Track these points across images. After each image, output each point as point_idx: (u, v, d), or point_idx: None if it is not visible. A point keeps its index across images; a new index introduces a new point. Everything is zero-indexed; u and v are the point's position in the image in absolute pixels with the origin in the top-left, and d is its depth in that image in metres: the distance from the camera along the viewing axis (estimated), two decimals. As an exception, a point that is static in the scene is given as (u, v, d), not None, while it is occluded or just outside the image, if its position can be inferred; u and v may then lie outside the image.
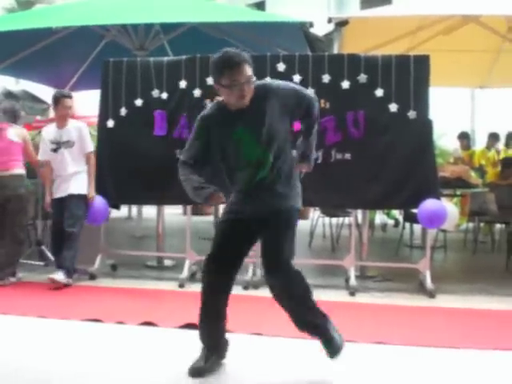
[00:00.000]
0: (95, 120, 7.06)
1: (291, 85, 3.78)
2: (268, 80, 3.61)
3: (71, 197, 6.27)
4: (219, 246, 3.67)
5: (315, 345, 3.72)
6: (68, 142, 6.34)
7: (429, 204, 5.89)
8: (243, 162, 3.57)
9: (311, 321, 3.67)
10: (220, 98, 3.67)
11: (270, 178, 3.57)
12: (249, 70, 3.43)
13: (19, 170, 6.38)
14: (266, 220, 3.59)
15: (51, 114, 11.96)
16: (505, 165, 9.15)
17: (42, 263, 6.94)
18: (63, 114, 6.35)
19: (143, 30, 8.01)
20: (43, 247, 7.14)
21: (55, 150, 6.35)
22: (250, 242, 3.77)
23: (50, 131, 6.45)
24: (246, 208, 3.66)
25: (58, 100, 6.35)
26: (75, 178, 6.33)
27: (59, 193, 6.36)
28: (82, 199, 6.31)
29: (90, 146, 6.46)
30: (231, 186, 3.73)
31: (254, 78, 3.48)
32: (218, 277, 3.66)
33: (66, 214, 6.21)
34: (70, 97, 6.47)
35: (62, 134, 6.35)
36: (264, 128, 3.49)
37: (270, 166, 3.54)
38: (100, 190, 6.49)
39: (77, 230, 6.19)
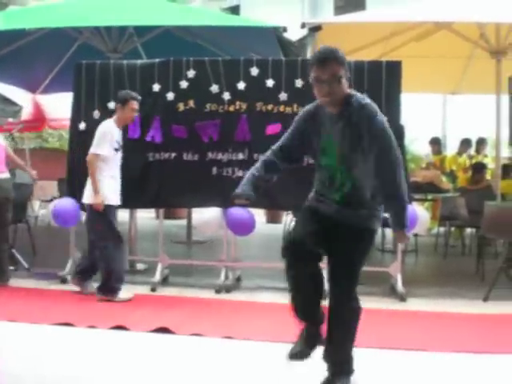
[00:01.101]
0: (67, 123, 7.00)
1: (388, 131, 3.46)
2: (369, 101, 3.41)
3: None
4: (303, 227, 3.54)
5: (285, 349, 3.72)
6: (121, 145, 6.05)
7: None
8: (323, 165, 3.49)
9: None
10: None
11: (347, 197, 3.44)
12: (338, 69, 3.28)
13: (6, 173, 6.35)
14: (336, 229, 3.46)
15: (23, 116, 11.86)
16: (475, 170, 9.28)
17: (12, 267, 6.85)
18: (129, 117, 5.99)
19: (117, 33, 7.97)
20: (14, 251, 7.05)
21: (117, 151, 5.97)
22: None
23: (115, 129, 5.95)
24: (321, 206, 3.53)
25: (126, 101, 5.92)
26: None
27: (117, 200, 6.01)
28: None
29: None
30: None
31: (344, 79, 3.32)
32: (302, 251, 3.47)
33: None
34: (138, 100, 6.01)
35: (120, 136, 6.03)
36: (346, 148, 3.37)
37: (345, 184, 3.43)
38: (71, 192, 6.45)
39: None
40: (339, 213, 3.45)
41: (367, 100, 3.41)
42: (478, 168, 9.27)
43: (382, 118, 3.41)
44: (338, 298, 3.46)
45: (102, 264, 5.83)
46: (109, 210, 5.83)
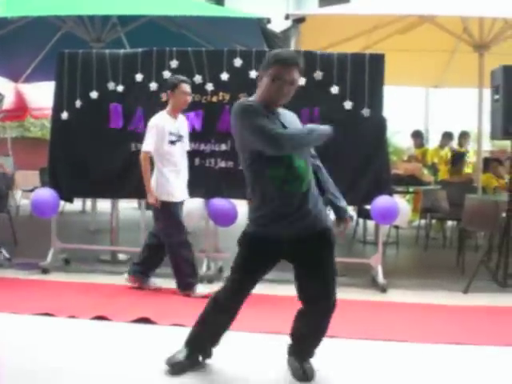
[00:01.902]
0: (49, 112, 6.95)
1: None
2: None
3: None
4: (247, 272, 3.59)
5: (274, 339, 3.75)
6: (182, 136, 5.75)
7: (381, 200, 5.99)
8: (283, 159, 3.36)
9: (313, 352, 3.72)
10: None
11: (309, 194, 3.45)
12: (297, 75, 3.38)
13: None
14: (304, 242, 3.47)
15: (5, 105, 11.76)
16: (453, 161, 9.37)
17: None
18: (183, 102, 5.67)
19: (100, 22, 7.91)
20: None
21: (173, 143, 5.64)
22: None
23: (166, 121, 5.64)
24: (280, 228, 3.45)
25: (175, 86, 5.60)
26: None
27: (182, 195, 5.79)
28: None
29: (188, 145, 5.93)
30: (261, 193, 3.46)
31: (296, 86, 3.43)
32: (236, 305, 3.65)
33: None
34: (188, 82, 5.71)
35: (178, 126, 5.71)
36: None
37: (309, 178, 3.46)
38: (53, 182, 6.42)
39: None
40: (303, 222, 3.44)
41: None
42: (456, 159, 9.37)
43: None
44: (329, 300, 3.53)
45: (171, 261, 5.69)
46: (174, 208, 5.61)
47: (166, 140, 5.58)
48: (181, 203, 5.72)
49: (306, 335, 3.67)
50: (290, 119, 3.50)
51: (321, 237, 3.50)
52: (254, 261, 3.54)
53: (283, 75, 3.32)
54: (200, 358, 3.79)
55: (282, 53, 3.46)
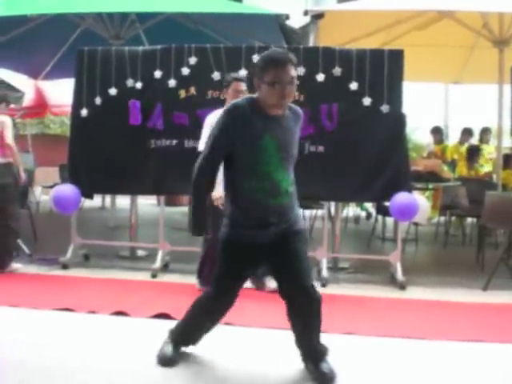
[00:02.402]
0: (69, 109, 6.99)
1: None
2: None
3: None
4: (228, 280, 3.59)
5: (285, 335, 3.75)
6: None
7: (401, 197, 5.96)
8: (261, 172, 3.36)
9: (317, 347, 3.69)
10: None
11: (287, 198, 3.46)
12: (293, 72, 3.30)
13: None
14: (279, 242, 3.49)
15: (25, 102, 11.87)
16: (469, 155, 9.35)
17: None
18: (236, 99, 5.71)
19: (119, 19, 7.96)
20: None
21: None
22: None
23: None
24: (258, 231, 3.46)
25: (229, 84, 5.62)
26: None
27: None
28: None
29: None
30: (239, 196, 3.46)
31: (297, 82, 3.38)
32: (221, 311, 3.70)
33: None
34: (242, 80, 5.66)
35: None
36: (289, 146, 3.43)
37: (287, 185, 3.45)
38: (73, 179, 6.46)
39: None
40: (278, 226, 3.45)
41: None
42: (471, 153, 9.35)
43: None
44: (307, 291, 3.50)
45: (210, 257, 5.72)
46: None
47: None
48: None
49: (302, 333, 3.64)
50: (287, 124, 3.43)
51: (296, 235, 3.51)
52: (235, 266, 3.55)
53: (281, 77, 3.25)
54: (185, 348, 3.86)
55: (272, 55, 3.36)
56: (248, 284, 5.76)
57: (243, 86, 5.61)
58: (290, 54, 3.35)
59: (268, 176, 3.36)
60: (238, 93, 5.57)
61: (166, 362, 3.74)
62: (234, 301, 3.63)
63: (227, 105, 5.57)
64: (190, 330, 3.82)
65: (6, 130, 6.23)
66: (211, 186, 3.53)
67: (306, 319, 3.58)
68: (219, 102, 6.24)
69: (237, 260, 3.52)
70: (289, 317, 3.61)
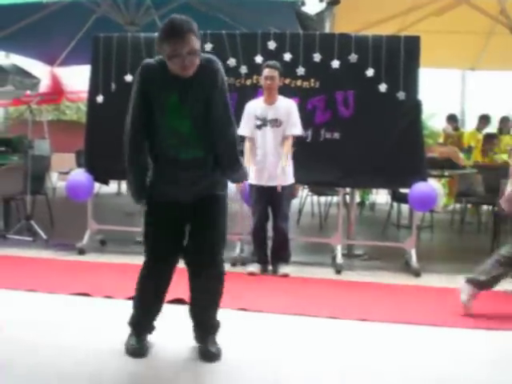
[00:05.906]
0: (85, 95, 7.02)
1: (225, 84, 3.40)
2: (213, 57, 3.37)
3: (283, 188, 5.72)
4: (159, 241, 3.53)
5: (299, 321, 3.77)
6: (276, 120, 5.76)
7: (420, 187, 5.94)
8: (169, 133, 3.36)
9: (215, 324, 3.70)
10: None
11: (201, 160, 3.40)
12: (194, 41, 3.13)
13: None
14: (194, 206, 3.45)
15: (41, 88, 11.91)
16: (485, 141, 9.32)
17: (30, 238, 6.95)
18: (265, 86, 5.75)
19: (134, 5, 7.97)
20: (32, 222, 7.14)
21: (259, 127, 5.79)
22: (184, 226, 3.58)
23: (257, 105, 5.84)
24: (171, 190, 3.46)
25: (262, 70, 5.79)
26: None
27: (263, 180, 5.81)
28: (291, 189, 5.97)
29: (295, 129, 5.79)
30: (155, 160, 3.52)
31: (200, 50, 3.22)
32: (162, 276, 3.64)
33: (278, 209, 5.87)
34: (272, 67, 5.71)
35: (268, 112, 5.78)
36: (199, 104, 3.31)
37: (198, 146, 3.38)
38: (89, 165, 6.50)
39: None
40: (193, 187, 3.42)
41: (212, 57, 3.39)
42: (487, 139, 9.31)
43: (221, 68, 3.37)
44: (207, 265, 3.50)
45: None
46: (250, 189, 5.84)
47: (254, 124, 5.78)
48: (256, 187, 5.83)
49: (196, 305, 3.64)
50: (198, 83, 3.26)
51: (212, 200, 3.47)
52: (159, 227, 3.50)
53: (178, 50, 3.11)
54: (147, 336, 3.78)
55: (167, 27, 3.15)
56: (257, 269, 5.85)
57: (273, 72, 5.68)
58: (190, 23, 3.18)
59: (176, 131, 3.33)
60: (266, 79, 5.72)
61: (133, 353, 3.65)
62: (171, 269, 3.59)
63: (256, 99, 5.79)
64: (141, 314, 3.74)
65: None
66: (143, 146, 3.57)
67: (202, 292, 3.57)
68: (234, 89, 6.25)
69: (162, 221, 3.49)
70: (189, 284, 3.60)
